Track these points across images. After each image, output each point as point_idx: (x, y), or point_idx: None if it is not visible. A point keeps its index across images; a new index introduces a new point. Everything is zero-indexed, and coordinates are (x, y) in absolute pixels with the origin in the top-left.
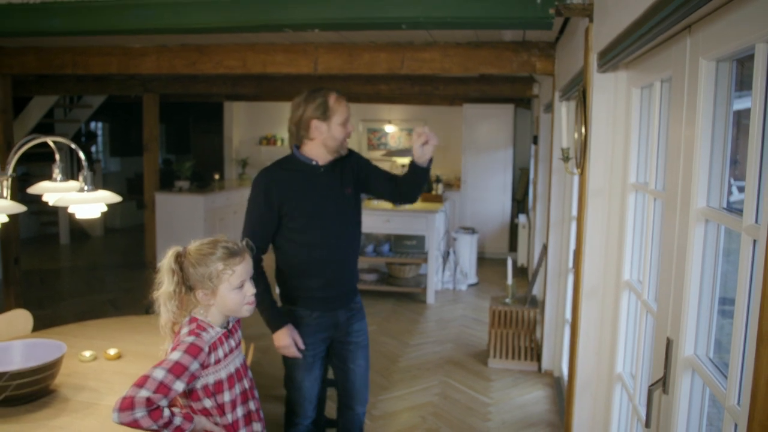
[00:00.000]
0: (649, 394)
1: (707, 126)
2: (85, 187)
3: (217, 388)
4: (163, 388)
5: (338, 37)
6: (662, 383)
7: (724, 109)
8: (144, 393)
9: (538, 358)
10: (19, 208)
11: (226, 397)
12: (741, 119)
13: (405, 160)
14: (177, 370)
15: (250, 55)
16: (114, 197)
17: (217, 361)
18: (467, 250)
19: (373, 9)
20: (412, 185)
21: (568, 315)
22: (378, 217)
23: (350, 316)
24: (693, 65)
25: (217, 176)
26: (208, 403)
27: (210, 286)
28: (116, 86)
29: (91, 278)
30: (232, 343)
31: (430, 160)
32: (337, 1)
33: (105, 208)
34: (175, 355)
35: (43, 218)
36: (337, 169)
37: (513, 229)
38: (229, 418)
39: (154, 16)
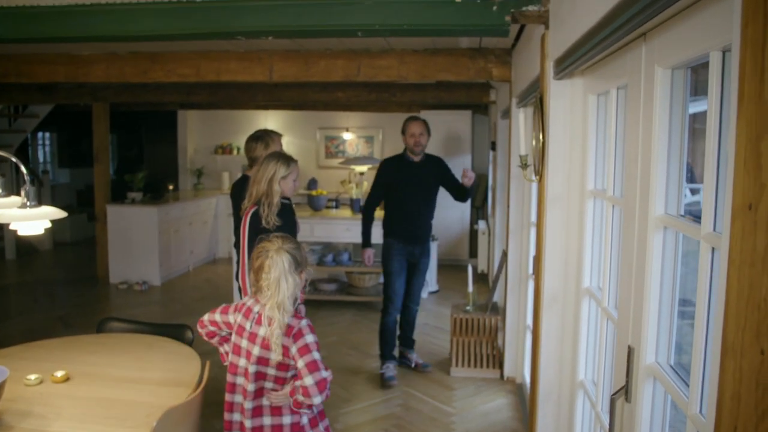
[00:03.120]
0: (611, 403)
1: (664, 133)
2: (27, 203)
3: None
4: (324, 363)
5: (293, 44)
6: (624, 392)
7: (680, 117)
8: (325, 373)
9: (501, 366)
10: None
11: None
12: (695, 123)
13: (363, 168)
14: (318, 347)
15: (204, 63)
16: (59, 213)
17: None
18: None
19: (328, 16)
20: (463, 195)
21: (530, 321)
22: (337, 226)
23: (421, 252)
24: (649, 73)
25: (171, 187)
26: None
27: (305, 263)
28: (64, 95)
29: (40, 294)
30: None
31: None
32: (291, 8)
33: (49, 224)
34: (310, 338)
35: None
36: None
37: (473, 235)
38: None
39: (101, 24)
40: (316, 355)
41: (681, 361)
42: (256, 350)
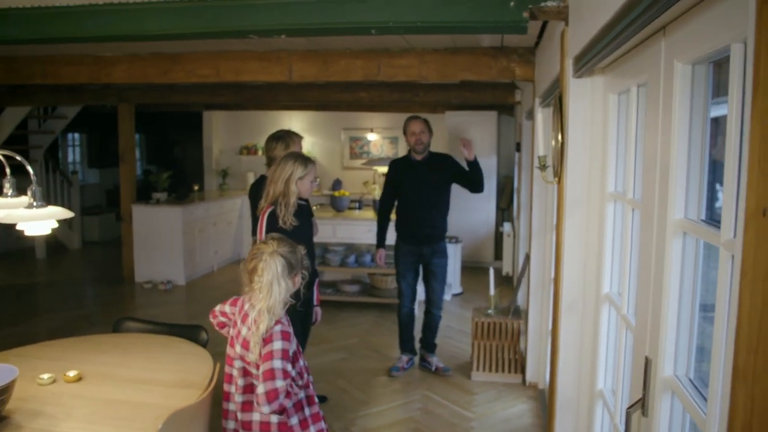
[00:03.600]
0: (627, 417)
1: (683, 133)
2: (34, 203)
3: (295, 357)
4: (285, 373)
5: (312, 44)
6: (641, 405)
7: (701, 116)
8: (279, 383)
9: (522, 370)
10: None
11: (301, 362)
12: (719, 126)
13: (385, 169)
14: (285, 355)
15: (223, 63)
16: (65, 213)
17: (293, 338)
18: (451, 259)
19: (340, 14)
20: (471, 178)
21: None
22: (360, 227)
23: (432, 253)
24: (668, 69)
25: (196, 187)
26: (293, 371)
27: (299, 266)
28: (91, 96)
29: (67, 293)
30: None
31: (475, 157)
32: (303, 6)
33: (56, 225)
34: (278, 345)
35: (18, 232)
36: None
37: (498, 237)
38: (306, 377)
39: (115, 23)
40: (276, 364)
41: (702, 374)
42: (238, 348)
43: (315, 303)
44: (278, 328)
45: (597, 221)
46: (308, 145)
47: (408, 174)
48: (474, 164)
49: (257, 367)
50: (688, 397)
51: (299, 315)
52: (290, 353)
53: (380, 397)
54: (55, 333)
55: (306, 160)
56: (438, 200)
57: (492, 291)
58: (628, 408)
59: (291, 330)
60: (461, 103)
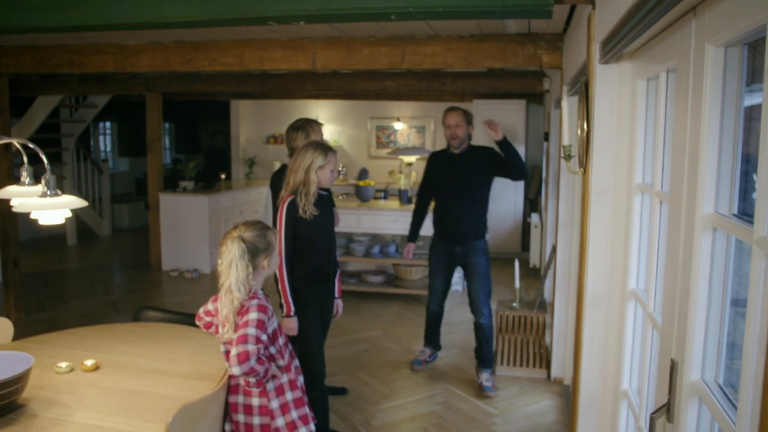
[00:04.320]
0: (651, 422)
1: (715, 122)
2: (48, 192)
3: (275, 336)
4: (258, 340)
5: (336, 31)
6: (666, 410)
7: (734, 103)
8: (251, 346)
9: (548, 365)
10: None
11: (280, 341)
12: (753, 115)
13: (411, 159)
14: (260, 325)
15: (247, 51)
16: (79, 202)
17: (273, 314)
18: None
19: None
20: (506, 161)
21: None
22: (385, 217)
23: (465, 252)
24: (698, 52)
25: (223, 176)
26: (272, 348)
27: (270, 249)
28: (119, 85)
29: (95, 280)
30: (269, 300)
31: (505, 137)
32: None
33: (69, 214)
34: (254, 315)
35: None
36: (471, 157)
37: (525, 228)
38: (286, 357)
39: (132, 11)
40: (250, 330)
41: (732, 378)
42: (220, 329)
43: (336, 295)
44: (255, 302)
45: (623, 214)
46: (334, 134)
47: (444, 168)
48: (504, 144)
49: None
50: (717, 404)
51: (319, 307)
52: (266, 325)
53: (402, 390)
54: (81, 319)
55: (326, 149)
56: (474, 197)
57: (517, 284)
58: (653, 413)
59: (269, 305)
60: (489, 92)
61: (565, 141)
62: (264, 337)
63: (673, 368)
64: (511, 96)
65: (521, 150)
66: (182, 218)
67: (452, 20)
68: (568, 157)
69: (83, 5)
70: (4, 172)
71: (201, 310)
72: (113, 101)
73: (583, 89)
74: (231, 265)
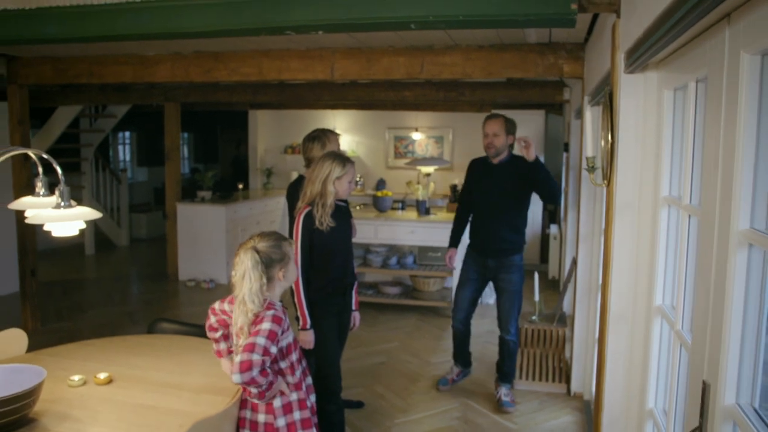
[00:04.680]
0: None
1: (751, 133)
2: (62, 203)
3: (288, 350)
4: (266, 351)
5: (355, 41)
6: None
7: None
8: (256, 357)
9: (567, 380)
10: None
11: (294, 357)
12: None
13: (429, 169)
14: (271, 336)
15: (266, 62)
16: (93, 213)
17: (288, 327)
18: None
19: (379, 8)
20: (538, 183)
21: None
22: (402, 228)
23: (498, 267)
24: (733, 61)
25: (241, 186)
26: (283, 364)
27: (286, 260)
28: (138, 96)
29: (113, 290)
30: (287, 313)
31: (537, 158)
32: (340, 0)
33: (83, 225)
34: (267, 325)
35: None
36: (511, 168)
37: (544, 239)
38: (297, 374)
39: (150, 21)
40: (260, 340)
41: None
42: (234, 339)
43: (354, 308)
44: (270, 312)
45: (649, 227)
46: (352, 144)
47: (482, 178)
48: (536, 166)
49: None
50: (753, 429)
51: (336, 320)
52: (278, 337)
53: (419, 404)
54: (97, 329)
55: (344, 160)
56: (510, 210)
57: (537, 296)
58: None
59: (285, 318)
60: (508, 102)
61: (589, 152)
62: (273, 349)
63: (705, 391)
64: (530, 106)
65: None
66: (200, 228)
67: (472, 30)
68: (592, 169)
69: (101, 16)
70: (23, 183)
71: (217, 305)
72: (132, 111)
73: (607, 99)
74: (244, 276)
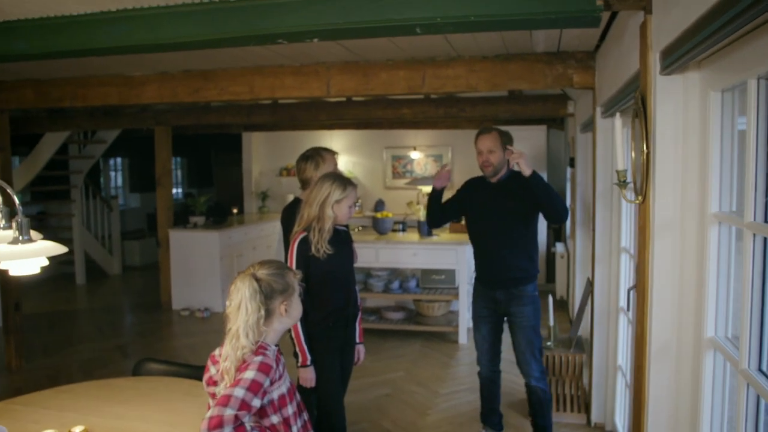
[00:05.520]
0: None
1: None
2: (20, 237)
3: (282, 402)
4: (244, 405)
5: (352, 55)
6: None
7: None
8: (230, 411)
9: (587, 410)
10: (58, 248)
11: (290, 410)
12: None
13: (429, 189)
14: (254, 387)
15: (258, 79)
16: (58, 248)
17: (280, 377)
18: None
19: (381, 11)
20: (539, 201)
21: (621, 361)
22: (404, 251)
23: (508, 300)
24: None
25: (235, 210)
26: (275, 419)
27: (290, 291)
28: (128, 120)
29: (103, 322)
30: (282, 359)
31: (534, 172)
32: (337, 3)
33: (46, 262)
34: (250, 374)
35: (61, 257)
36: (511, 187)
37: (549, 258)
38: (294, 430)
39: (127, 33)
40: (238, 392)
41: None
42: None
43: (357, 340)
44: (258, 359)
45: (695, 248)
46: (349, 165)
47: (478, 198)
48: (535, 181)
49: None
50: None
51: (338, 355)
52: (263, 389)
53: None
54: (86, 365)
55: (345, 182)
56: (516, 233)
57: (551, 321)
58: None
59: (275, 365)
60: (509, 118)
61: (619, 165)
62: (256, 402)
63: None
64: (531, 122)
65: (544, 176)
66: (193, 255)
67: (476, 38)
68: (624, 184)
69: (72, 28)
70: None
71: (217, 352)
72: (124, 136)
73: (638, 105)
74: (240, 306)
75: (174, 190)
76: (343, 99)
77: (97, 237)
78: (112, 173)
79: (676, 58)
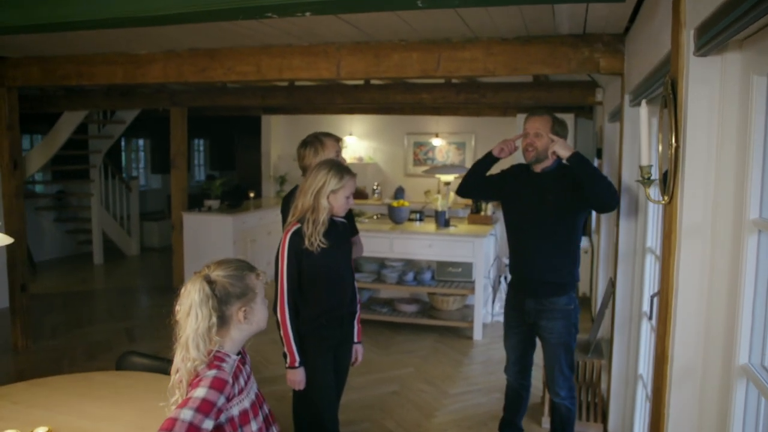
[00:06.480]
0: None
1: None
2: None
3: (243, 419)
4: (192, 429)
5: (362, 34)
6: None
7: None
8: None
9: (604, 418)
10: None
11: (253, 426)
12: None
13: (449, 178)
14: (204, 407)
15: (265, 59)
16: (3, 239)
17: (240, 391)
18: None
19: None
20: (585, 188)
21: (642, 370)
22: (420, 242)
23: (538, 310)
24: None
25: (252, 194)
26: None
27: (251, 296)
28: (144, 100)
29: (115, 303)
30: (248, 368)
31: (575, 154)
32: None
33: None
34: (200, 392)
35: (80, 237)
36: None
37: None
38: None
39: (113, 4)
40: (185, 414)
41: None
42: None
43: (355, 340)
44: (211, 373)
45: (728, 259)
46: (369, 151)
47: (518, 187)
48: (575, 161)
49: None
50: None
51: (332, 355)
52: (215, 407)
53: None
54: (91, 348)
55: (342, 171)
56: (553, 233)
57: None
58: None
59: (231, 381)
60: (534, 105)
61: (644, 161)
62: (208, 424)
63: None
64: (558, 109)
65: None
66: (206, 239)
67: (494, 20)
68: (648, 181)
69: (57, 0)
70: (13, 191)
71: None
72: (146, 117)
73: (668, 90)
74: (190, 312)
75: (196, 172)
76: (360, 82)
77: (116, 217)
78: (134, 153)
79: (714, 35)
